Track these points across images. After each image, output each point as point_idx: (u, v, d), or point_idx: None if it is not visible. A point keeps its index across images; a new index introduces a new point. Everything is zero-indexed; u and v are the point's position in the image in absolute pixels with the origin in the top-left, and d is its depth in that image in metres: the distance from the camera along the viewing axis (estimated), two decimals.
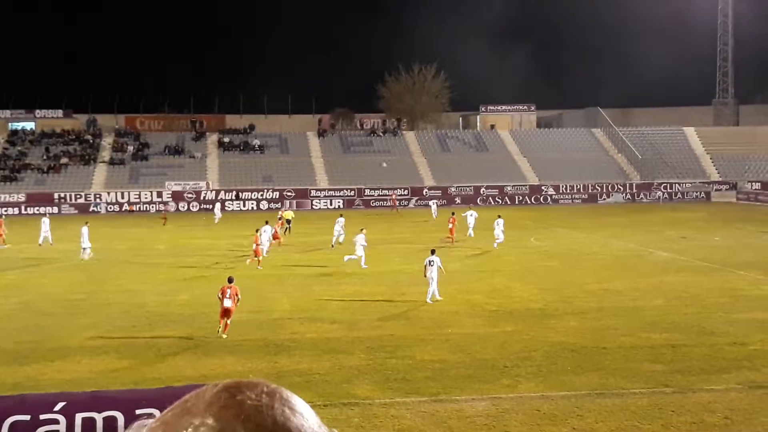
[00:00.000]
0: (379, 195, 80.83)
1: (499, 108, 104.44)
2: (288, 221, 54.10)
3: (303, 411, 1.40)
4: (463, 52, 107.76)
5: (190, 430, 1.34)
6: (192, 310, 28.26)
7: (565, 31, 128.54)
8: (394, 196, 77.18)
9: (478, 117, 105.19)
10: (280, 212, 58.30)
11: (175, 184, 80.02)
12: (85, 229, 42.51)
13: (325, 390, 18.68)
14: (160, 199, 78.34)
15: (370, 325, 25.47)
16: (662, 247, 44.25)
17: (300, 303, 29.41)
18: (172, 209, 75.93)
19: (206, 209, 75.80)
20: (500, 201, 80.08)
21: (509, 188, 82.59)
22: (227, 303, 23.94)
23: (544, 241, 47.55)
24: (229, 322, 24.04)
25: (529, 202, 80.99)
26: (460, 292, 31.13)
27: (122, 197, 78.51)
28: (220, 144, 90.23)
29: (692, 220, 53.80)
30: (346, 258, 38.22)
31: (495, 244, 44.21)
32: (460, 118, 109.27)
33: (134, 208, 77.26)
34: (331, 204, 79.43)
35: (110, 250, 45.33)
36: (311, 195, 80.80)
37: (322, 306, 28.82)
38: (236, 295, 24.15)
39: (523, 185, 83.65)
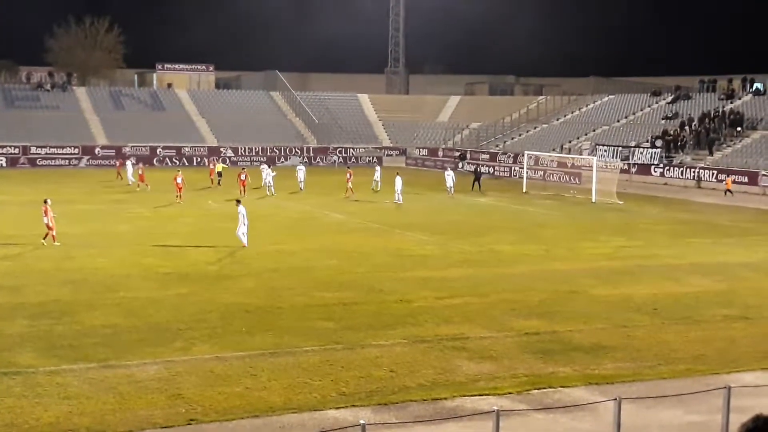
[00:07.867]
0: (47, 153, 76.24)
1: (176, 67, 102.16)
2: (219, 173, 58.11)
3: None
4: (137, 7, 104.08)
5: None
6: None
7: None
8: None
9: (154, 75, 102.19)
10: (212, 164, 62.50)
11: None
12: None
13: None
14: None
15: (33, 291, 24.01)
16: (336, 209, 45.67)
17: None
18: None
19: None
20: (177, 162, 78.54)
21: (187, 149, 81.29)
22: (45, 220, 31.45)
23: (221, 203, 47.28)
24: (53, 234, 31.53)
25: (206, 163, 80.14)
26: (132, 255, 30.24)
27: None
28: None
29: (366, 183, 55.88)
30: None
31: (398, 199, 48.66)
32: (136, 76, 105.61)
33: None
34: None
35: None
36: None
37: None
38: (47, 212, 31.41)
39: (202, 146, 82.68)
